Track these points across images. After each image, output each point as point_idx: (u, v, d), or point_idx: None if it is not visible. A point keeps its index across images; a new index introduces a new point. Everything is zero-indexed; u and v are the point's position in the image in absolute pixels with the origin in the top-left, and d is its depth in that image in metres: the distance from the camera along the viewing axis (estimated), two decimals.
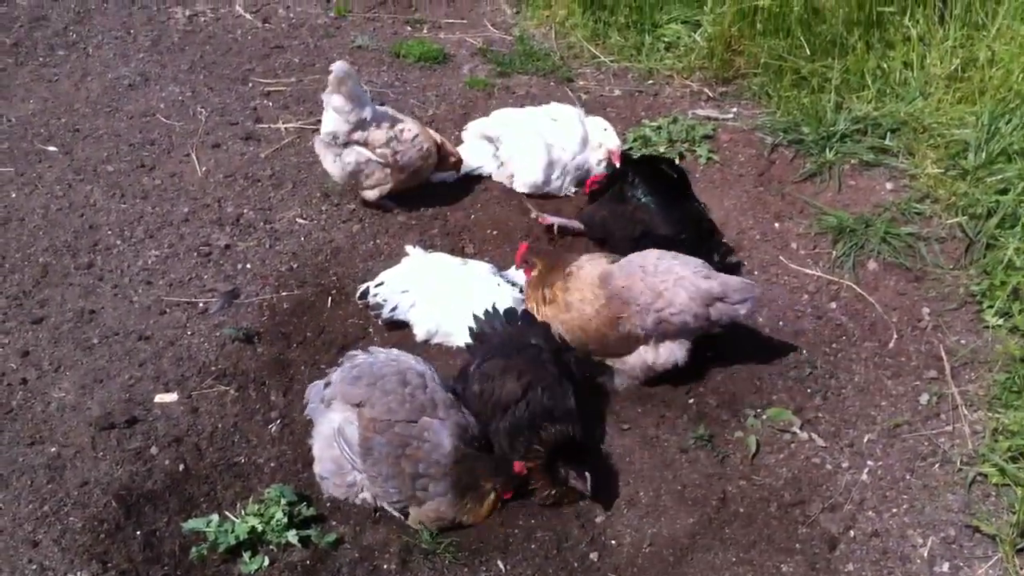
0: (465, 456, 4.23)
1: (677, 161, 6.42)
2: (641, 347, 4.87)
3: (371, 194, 6.01)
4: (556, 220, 5.87)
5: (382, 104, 6.26)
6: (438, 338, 5.26)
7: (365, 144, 5.82)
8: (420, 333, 5.25)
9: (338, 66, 5.61)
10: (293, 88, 7.22)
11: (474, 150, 6.38)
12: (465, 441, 4.26)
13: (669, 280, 4.72)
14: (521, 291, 5.25)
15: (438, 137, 6.12)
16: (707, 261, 4.97)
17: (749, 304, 4.76)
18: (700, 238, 5.44)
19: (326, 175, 6.16)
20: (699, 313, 4.69)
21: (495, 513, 4.39)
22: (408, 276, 5.31)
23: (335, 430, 4.29)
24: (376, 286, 5.29)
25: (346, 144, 5.82)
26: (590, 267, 4.96)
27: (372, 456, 4.21)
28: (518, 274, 5.31)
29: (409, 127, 5.94)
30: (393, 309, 5.24)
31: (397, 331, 5.30)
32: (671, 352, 4.85)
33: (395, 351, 4.56)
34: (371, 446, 4.20)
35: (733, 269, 5.47)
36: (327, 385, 4.42)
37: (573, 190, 6.29)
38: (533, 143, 6.14)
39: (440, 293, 5.22)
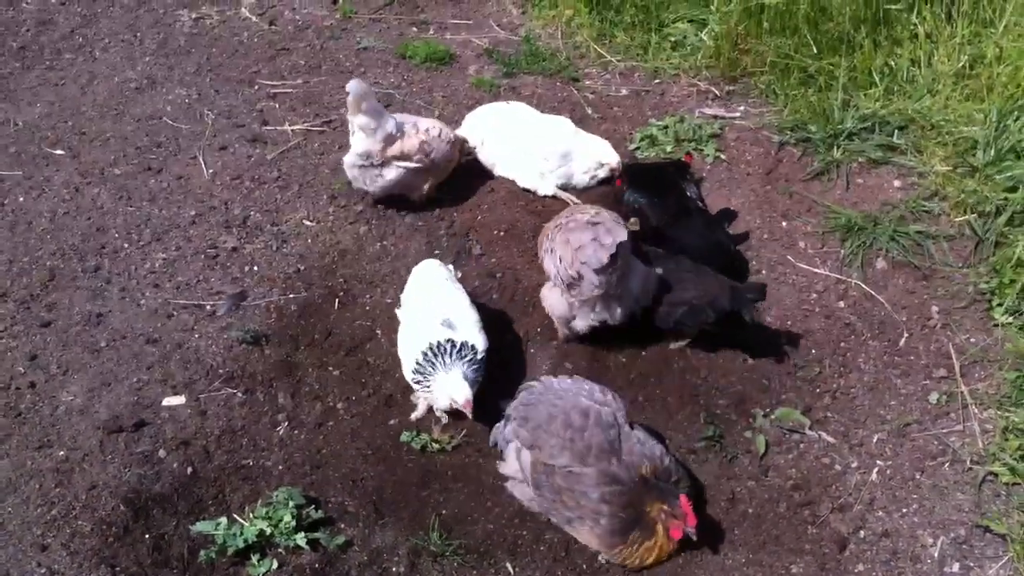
0: (618, 495, 4.14)
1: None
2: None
3: (415, 196, 6.09)
4: None
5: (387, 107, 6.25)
6: None
7: (402, 157, 5.86)
8: None
9: (353, 85, 5.58)
10: (299, 90, 7.21)
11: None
12: (613, 490, 4.13)
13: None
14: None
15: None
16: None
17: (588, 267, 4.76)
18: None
19: (332, 175, 6.23)
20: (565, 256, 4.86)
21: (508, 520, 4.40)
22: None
23: (518, 463, 4.39)
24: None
25: (383, 163, 5.86)
26: None
27: (540, 490, 4.26)
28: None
29: (431, 124, 6.00)
30: None
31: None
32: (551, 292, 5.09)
33: (568, 381, 4.46)
34: (539, 483, 4.26)
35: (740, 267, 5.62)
36: (506, 422, 4.46)
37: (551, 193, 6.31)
38: (517, 161, 6.27)
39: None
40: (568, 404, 4.25)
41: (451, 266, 5.35)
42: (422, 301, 4.99)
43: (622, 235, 4.74)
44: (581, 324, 5.07)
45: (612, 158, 6.18)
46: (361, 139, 5.78)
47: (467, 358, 4.62)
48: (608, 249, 4.67)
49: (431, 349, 4.61)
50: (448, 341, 4.63)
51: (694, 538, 4.11)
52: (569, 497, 4.15)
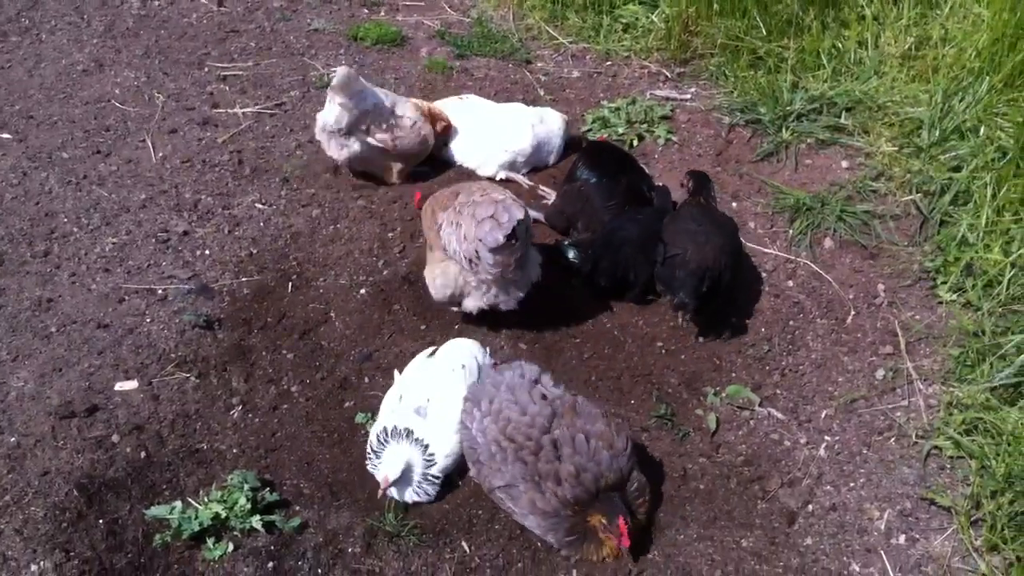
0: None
1: (635, 143, 6.49)
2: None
3: (386, 177, 6.20)
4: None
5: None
6: None
7: (367, 132, 5.90)
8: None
9: (340, 73, 5.64)
10: (250, 72, 7.16)
11: None
12: (546, 523, 4.11)
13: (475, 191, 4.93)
14: None
15: (428, 107, 6.23)
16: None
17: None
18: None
19: (284, 158, 6.21)
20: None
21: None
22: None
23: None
24: None
25: (349, 133, 5.89)
26: None
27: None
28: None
29: (409, 114, 6.01)
30: None
31: (359, 315, 5.31)
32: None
33: (502, 389, 4.29)
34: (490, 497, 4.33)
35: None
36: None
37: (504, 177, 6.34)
38: (486, 151, 6.29)
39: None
40: (491, 436, 4.19)
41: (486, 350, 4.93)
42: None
43: (519, 214, 4.65)
44: (471, 304, 5.01)
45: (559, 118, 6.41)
46: (334, 111, 5.79)
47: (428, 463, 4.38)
48: (504, 229, 4.61)
49: (387, 432, 4.39)
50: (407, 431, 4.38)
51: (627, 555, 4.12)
52: (511, 514, 4.25)
